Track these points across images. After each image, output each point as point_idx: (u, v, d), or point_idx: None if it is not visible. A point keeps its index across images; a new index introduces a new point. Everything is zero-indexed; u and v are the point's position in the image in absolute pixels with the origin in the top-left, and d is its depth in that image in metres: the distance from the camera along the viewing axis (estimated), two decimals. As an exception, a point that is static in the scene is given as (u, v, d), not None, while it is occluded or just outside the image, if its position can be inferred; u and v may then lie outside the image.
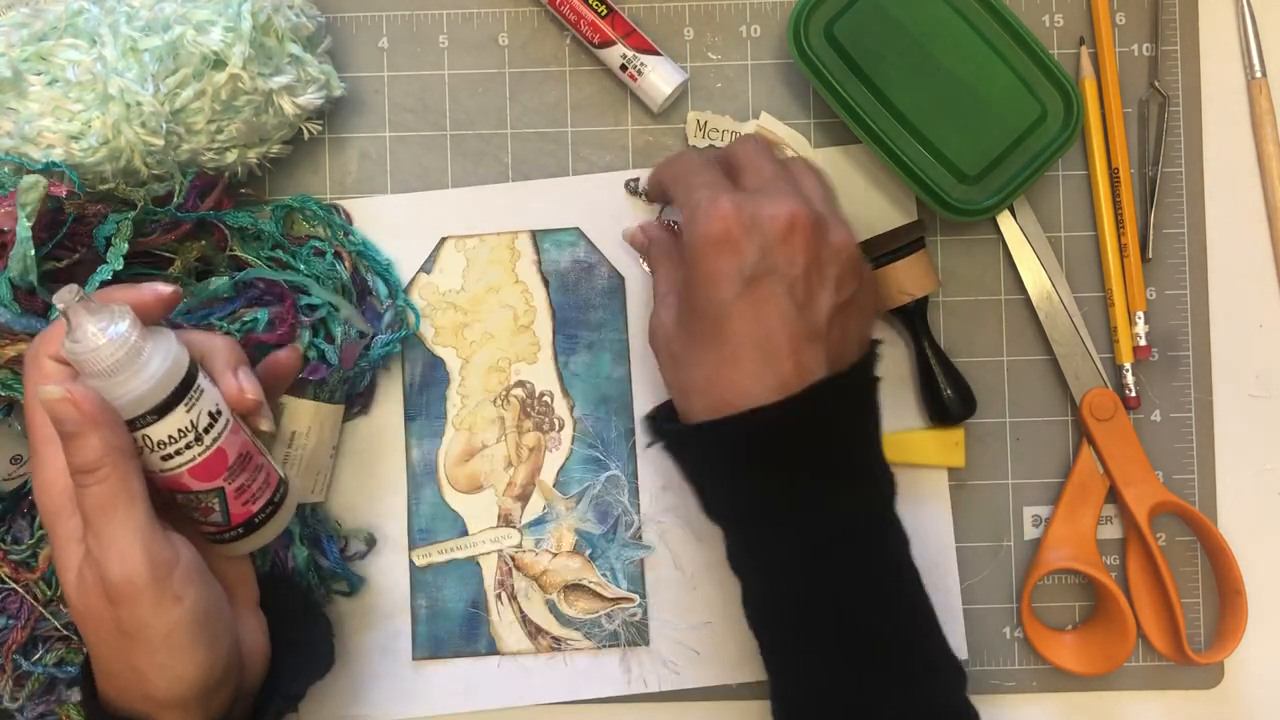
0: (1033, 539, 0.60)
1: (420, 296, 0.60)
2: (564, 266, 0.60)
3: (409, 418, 0.60)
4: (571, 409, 0.60)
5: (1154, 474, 0.59)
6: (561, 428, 0.60)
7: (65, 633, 0.55)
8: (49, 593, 0.55)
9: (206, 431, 0.43)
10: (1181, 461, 0.60)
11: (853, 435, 0.49)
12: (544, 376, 0.60)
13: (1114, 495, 0.59)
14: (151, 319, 0.44)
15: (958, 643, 0.59)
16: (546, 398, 0.60)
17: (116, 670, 0.44)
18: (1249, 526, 0.60)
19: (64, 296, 0.40)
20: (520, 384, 0.60)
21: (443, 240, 0.60)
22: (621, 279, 0.60)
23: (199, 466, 0.43)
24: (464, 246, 0.60)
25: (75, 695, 0.55)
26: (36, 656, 0.55)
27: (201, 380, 0.43)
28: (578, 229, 0.60)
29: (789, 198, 0.48)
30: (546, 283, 0.60)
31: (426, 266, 0.60)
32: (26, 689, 0.55)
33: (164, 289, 0.45)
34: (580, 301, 0.60)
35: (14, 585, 0.54)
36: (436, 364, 0.60)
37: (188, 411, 0.42)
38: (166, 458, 0.43)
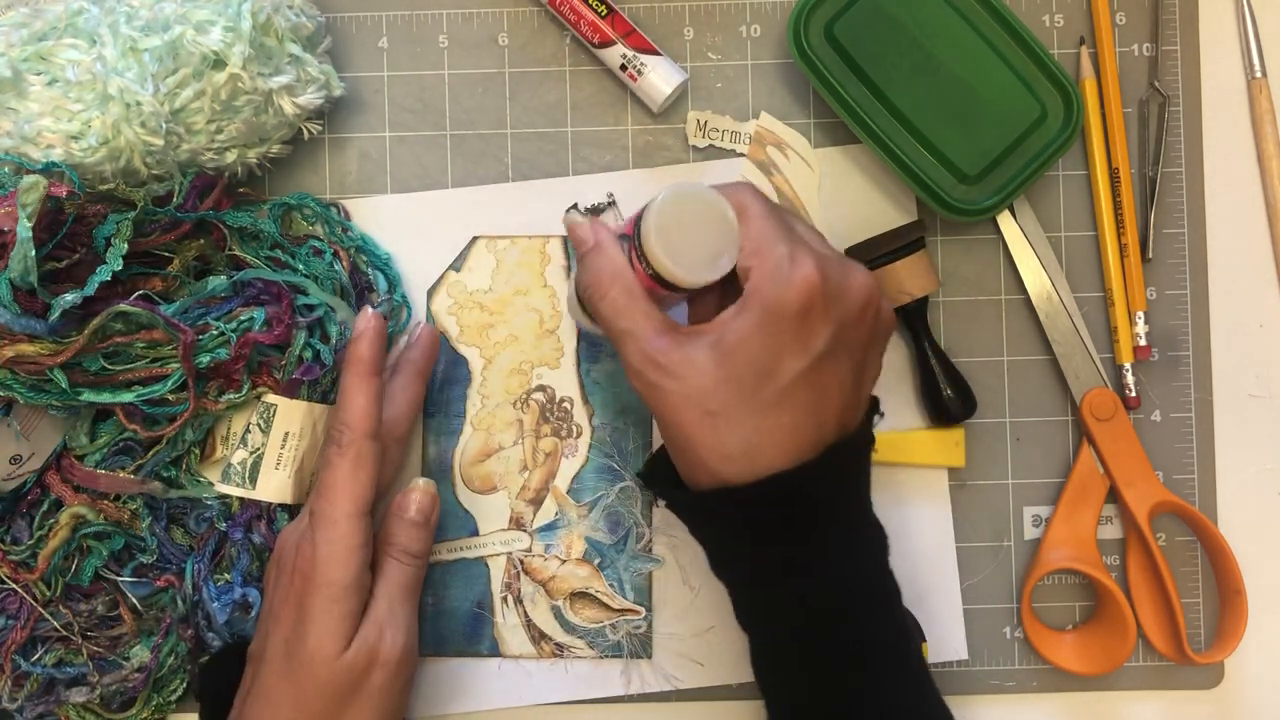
0: (1033, 539, 0.60)
1: (448, 294, 0.60)
2: None
3: (428, 414, 0.60)
4: (590, 417, 0.60)
5: (1154, 474, 0.59)
6: (579, 435, 0.60)
7: (64, 633, 0.55)
8: (48, 593, 0.55)
9: None
10: (1181, 461, 0.60)
11: (861, 487, 0.49)
12: (565, 382, 0.60)
13: (1114, 495, 0.59)
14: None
15: (957, 643, 0.59)
16: (566, 404, 0.60)
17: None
18: (1249, 526, 0.60)
19: None
20: (541, 388, 0.60)
21: (474, 240, 0.60)
22: None
23: None
24: (494, 247, 0.60)
25: (74, 695, 0.55)
26: (35, 657, 0.55)
27: None
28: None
29: (861, 270, 0.47)
30: None
31: (456, 264, 0.60)
32: (25, 689, 0.55)
33: None
34: None
35: (14, 585, 0.54)
36: (459, 362, 0.60)
37: None
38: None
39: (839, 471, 0.47)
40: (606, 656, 0.59)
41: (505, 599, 0.59)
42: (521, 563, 0.59)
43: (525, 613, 0.59)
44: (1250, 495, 0.60)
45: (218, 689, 0.53)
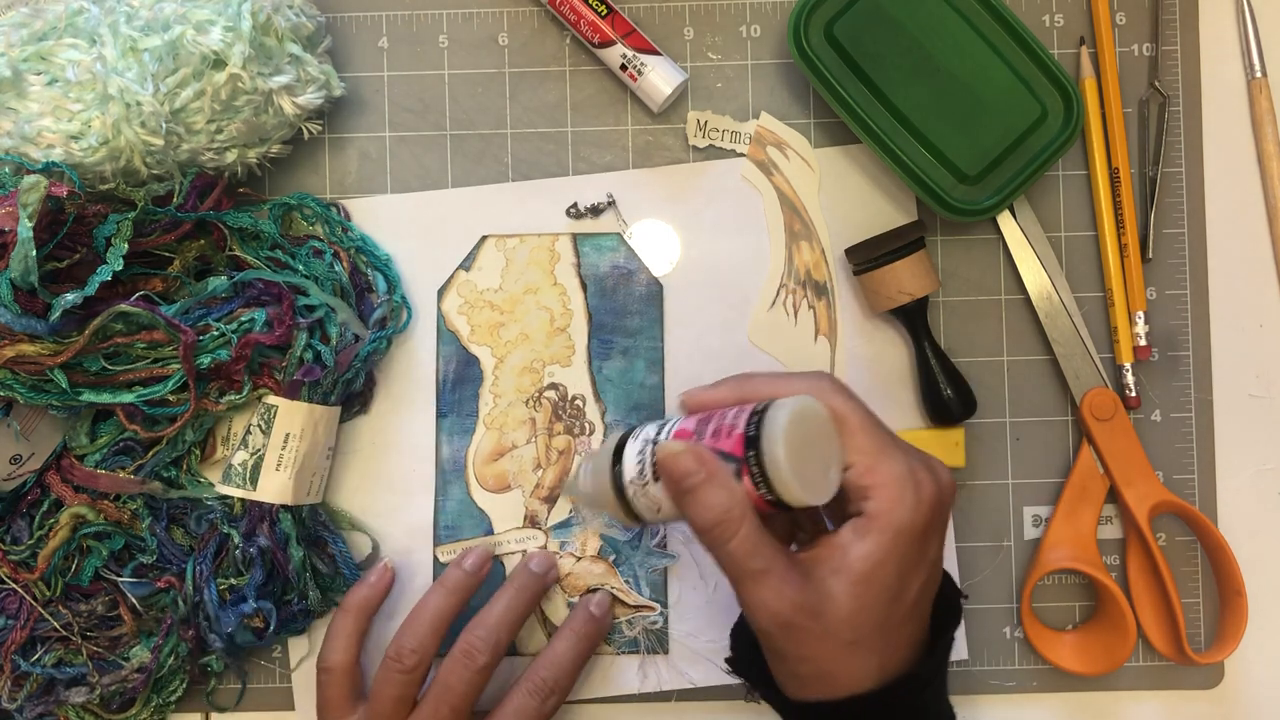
0: (1033, 539, 0.60)
1: (458, 294, 0.60)
2: (603, 271, 0.60)
3: (440, 414, 0.60)
4: (603, 414, 0.60)
5: (1154, 474, 0.59)
6: (592, 432, 0.60)
7: (64, 633, 0.55)
8: (48, 593, 0.55)
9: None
10: (1181, 461, 0.60)
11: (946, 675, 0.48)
12: (577, 380, 0.60)
13: (1114, 495, 0.59)
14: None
15: (958, 643, 0.59)
16: (579, 401, 0.60)
17: None
18: (1249, 526, 0.60)
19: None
20: (553, 386, 0.60)
21: (483, 239, 0.60)
22: (660, 287, 0.60)
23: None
24: (504, 246, 0.60)
25: (74, 695, 0.55)
26: (35, 657, 0.55)
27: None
28: (618, 234, 0.60)
29: (943, 466, 0.45)
30: (584, 286, 0.60)
31: (465, 264, 0.60)
32: (25, 689, 0.55)
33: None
34: (617, 307, 0.60)
35: (14, 585, 0.54)
36: (471, 362, 0.60)
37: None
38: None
39: (941, 667, 0.46)
40: (623, 653, 0.59)
41: None
42: None
43: (542, 610, 0.59)
44: (1250, 495, 0.60)
45: None
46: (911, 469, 0.43)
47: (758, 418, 0.42)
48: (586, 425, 0.60)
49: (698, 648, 0.59)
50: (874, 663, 0.43)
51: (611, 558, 0.59)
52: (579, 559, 0.59)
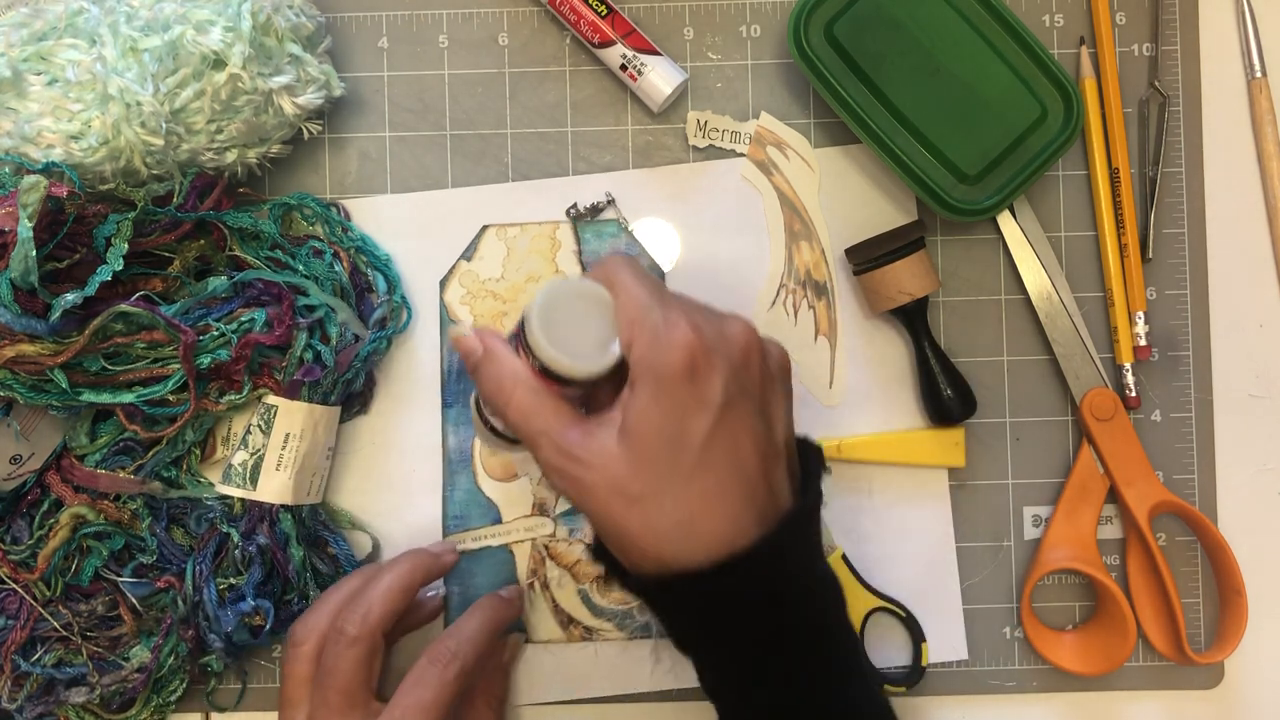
0: (1033, 539, 0.60)
1: (460, 284, 0.60)
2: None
3: (446, 405, 0.60)
4: None
5: (1154, 474, 0.59)
6: None
7: (64, 633, 0.55)
8: (48, 593, 0.55)
9: None
10: (1181, 461, 0.60)
11: (813, 549, 0.47)
12: None
13: (1114, 495, 0.59)
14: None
15: (957, 643, 0.59)
16: None
17: None
18: (1249, 526, 0.60)
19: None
20: None
21: (484, 228, 0.60)
22: (662, 274, 0.60)
23: None
24: (505, 235, 0.60)
25: (74, 695, 0.55)
26: (35, 657, 0.55)
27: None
28: (618, 221, 0.60)
29: (736, 318, 0.46)
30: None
31: (467, 254, 0.60)
32: (25, 689, 0.55)
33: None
34: None
35: (14, 585, 0.54)
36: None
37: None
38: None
39: (790, 545, 0.45)
40: (635, 638, 0.59)
41: (531, 585, 0.59)
42: (546, 548, 0.59)
43: (552, 597, 0.59)
44: (1250, 495, 0.60)
45: None
46: (666, 315, 0.44)
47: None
48: None
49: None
50: (669, 516, 0.43)
51: None
52: (588, 545, 0.59)
